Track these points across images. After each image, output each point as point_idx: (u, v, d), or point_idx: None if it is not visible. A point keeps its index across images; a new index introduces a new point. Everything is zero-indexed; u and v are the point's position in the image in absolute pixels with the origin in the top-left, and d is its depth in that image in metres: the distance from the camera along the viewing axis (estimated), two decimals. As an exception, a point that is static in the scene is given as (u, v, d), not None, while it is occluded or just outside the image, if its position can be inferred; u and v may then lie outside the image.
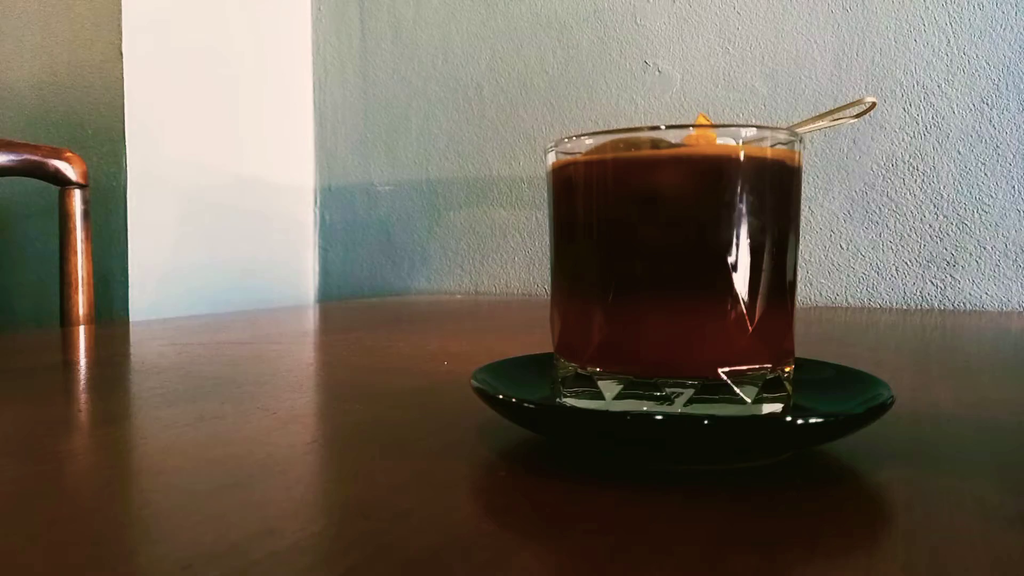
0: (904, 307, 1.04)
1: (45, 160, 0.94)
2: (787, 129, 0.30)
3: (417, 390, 0.44)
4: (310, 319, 0.98)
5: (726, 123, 0.30)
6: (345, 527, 0.22)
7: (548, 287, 0.46)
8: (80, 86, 1.21)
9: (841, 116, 0.32)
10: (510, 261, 1.34)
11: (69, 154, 0.96)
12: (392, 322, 0.88)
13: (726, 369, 0.28)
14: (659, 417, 0.26)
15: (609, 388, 0.29)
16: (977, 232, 1.01)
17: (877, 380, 0.31)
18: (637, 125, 0.30)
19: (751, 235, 0.28)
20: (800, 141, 0.30)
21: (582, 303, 0.30)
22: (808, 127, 0.32)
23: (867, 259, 1.07)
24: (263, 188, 1.40)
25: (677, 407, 0.28)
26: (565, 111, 1.28)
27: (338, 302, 1.42)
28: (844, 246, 1.08)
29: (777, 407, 0.29)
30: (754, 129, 0.29)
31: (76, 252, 0.95)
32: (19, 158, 0.92)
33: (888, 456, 0.29)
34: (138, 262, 1.17)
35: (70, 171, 0.95)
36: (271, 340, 0.69)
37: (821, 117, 0.33)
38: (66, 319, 0.94)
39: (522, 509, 0.24)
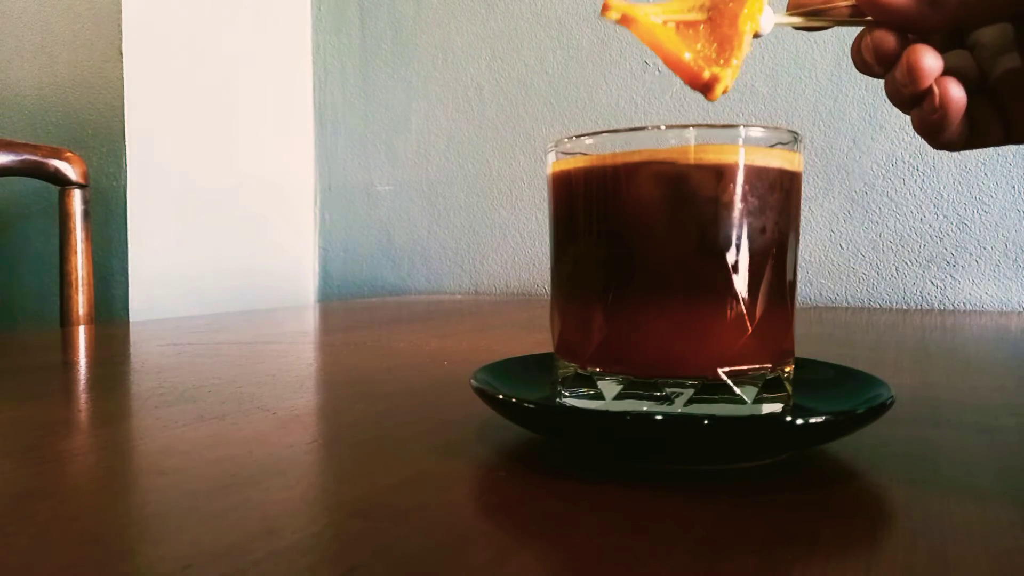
0: (904, 307, 1.04)
1: (45, 160, 0.94)
2: (789, 130, 0.30)
3: (417, 390, 0.44)
4: (310, 319, 0.98)
5: (727, 123, 0.30)
6: (345, 527, 0.22)
7: (548, 287, 0.46)
8: (80, 86, 1.21)
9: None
10: (510, 261, 1.34)
11: (69, 154, 0.96)
12: (392, 322, 0.88)
13: (726, 369, 0.28)
14: (659, 417, 0.26)
15: (609, 388, 0.29)
16: (977, 232, 1.01)
17: (877, 380, 0.31)
18: (637, 125, 0.29)
19: (751, 235, 0.28)
20: (800, 141, 0.30)
21: (582, 303, 0.30)
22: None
23: (867, 259, 1.07)
24: (263, 188, 1.40)
25: (677, 407, 0.28)
26: (565, 111, 1.28)
27: (338, 302, 1.42)
28: (844, 246, 1.08)
29: (777, 407, 0.29)
30: (755, 129, 0.29)
31: (76, 252, 0.95)
32: (19, 158, 0.92)
33: (888, 456, 0.29)
34: (138, 262, 1.17)
35: (70, 171, 0.95)
36: (271, 340, 0.69)
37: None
38: (66, 319, 0.94)
39: (522, 509, 0.24)
